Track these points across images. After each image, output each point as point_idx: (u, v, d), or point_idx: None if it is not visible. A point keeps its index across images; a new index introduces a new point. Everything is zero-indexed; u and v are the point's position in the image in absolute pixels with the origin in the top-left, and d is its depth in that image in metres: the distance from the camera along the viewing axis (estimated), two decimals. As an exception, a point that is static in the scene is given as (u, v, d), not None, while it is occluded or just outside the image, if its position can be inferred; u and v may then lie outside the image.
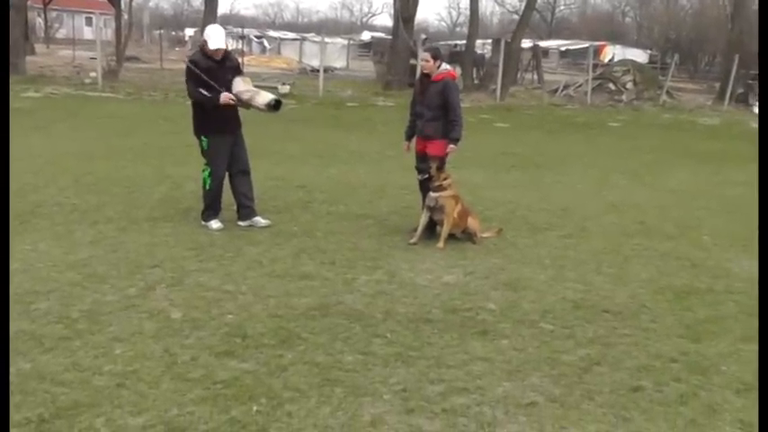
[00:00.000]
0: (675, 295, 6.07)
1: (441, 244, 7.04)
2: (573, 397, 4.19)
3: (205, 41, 6.93)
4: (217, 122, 7.02)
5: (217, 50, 6.92)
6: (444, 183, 7.10)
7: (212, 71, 6.91)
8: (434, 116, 7.12)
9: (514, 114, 21.90)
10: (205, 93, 6.88)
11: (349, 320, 5.09)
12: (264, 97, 7.17)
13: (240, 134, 7.30)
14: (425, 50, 7.37)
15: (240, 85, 7.13)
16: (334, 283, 5.89)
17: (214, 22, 16.17)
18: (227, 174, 7.30)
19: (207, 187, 7.23)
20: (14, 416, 3.68)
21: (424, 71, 7.20)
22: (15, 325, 4.75)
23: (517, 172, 11.82)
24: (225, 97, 6.88)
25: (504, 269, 6.50)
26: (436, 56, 7.14)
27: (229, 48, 7.18)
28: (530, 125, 19.44)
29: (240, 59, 35.11)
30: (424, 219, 7.21)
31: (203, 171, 7.23)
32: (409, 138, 7.47)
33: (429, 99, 7.12)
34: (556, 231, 7.95)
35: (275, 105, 7.18)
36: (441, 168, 7.07)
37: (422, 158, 7.32)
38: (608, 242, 7.63)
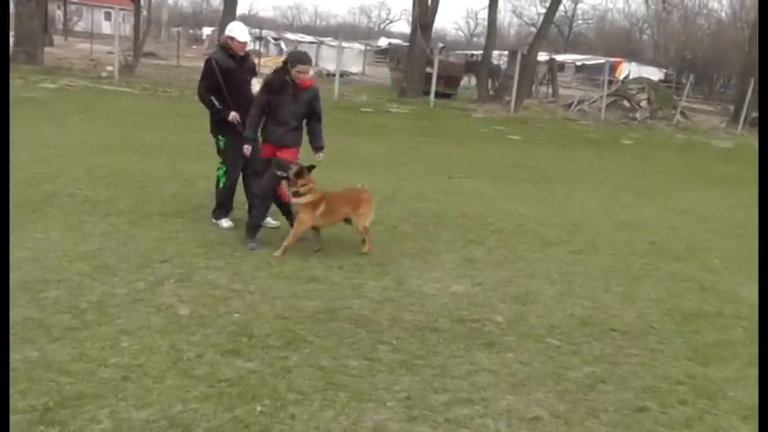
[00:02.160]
0: (684, 317, 6.04)
1: (278, 253, 6.56)
2: (577, 414, 4.18)
3: (230, 37, 6.98)
4: (234, 123, 7.04)
5: (244, 44, 6.99)
6: (302, 189, 6.70)
7: (232, 72, 6.96)
8: (297, 125, 6.87)
9: (528, 127, 21.90)
10: (216, 102, 6.96)
11: (355, 326, 5.09)
12: None
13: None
14: (305, 62, 6.77)
15: (258, 86, 7.20)
16: (342, 287, 5.89)
17: (233, 21, 16.23)
18: (240, 174, 7.31)
19: (221, 186, 7.26)
20: (20, 403, 3.71)
21: (305, 82, 6.76)
22: (24, 312, 4.78)
23: (528, 185, 11.80)
24: (233, 117, 6.95)
25: (512, 282, 6.49)
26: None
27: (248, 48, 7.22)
28: (542, 139, 19.43)
29: (257, 60, 35.28)
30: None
31: (218, 170, 7.26)
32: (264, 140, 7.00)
33: (299, 107, 6.79)
34: (565, 246, 7.93)
35: None
36: (299, 174, 6.64)
37: (265, 161, 6.98)
38: (617, 260, 7.60)
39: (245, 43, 7.03)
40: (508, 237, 8.05)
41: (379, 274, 6.32)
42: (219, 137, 7.14)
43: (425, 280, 6.27)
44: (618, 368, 4.86)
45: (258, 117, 6.80)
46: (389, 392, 4.18)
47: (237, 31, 6.97)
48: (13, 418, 3.56)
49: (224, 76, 6.93)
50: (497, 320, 5.48)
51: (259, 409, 3.84)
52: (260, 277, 5.92)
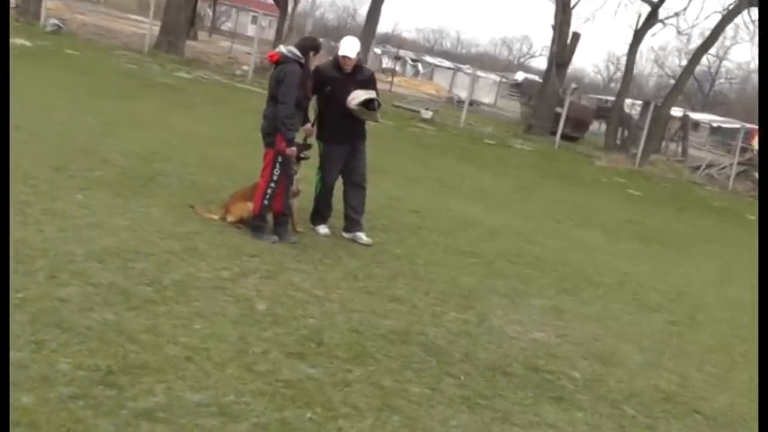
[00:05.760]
0: (779, 413, 5.59)
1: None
2: (639, 490, 3.91)
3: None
4: (332, 130, 7.12)
5: (344, 58, 6.95)
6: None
7: (331, 81, 7.01)
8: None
9: (650, 183, 21.15)
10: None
11: (426, 353, 4.97)
12: (357, 98, 7.02)
13: (360, 147, 7.31)
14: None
15: (364, 97, 7.10)
16: (423, 312, 5.78)
17: (372, 38, 16.50)
18: (342, 183, 7.36)
19: (317, 191, 7.32)
20: (87, 360, 3.84)
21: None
22: (111, 277, 4.98)
23: (639, 243, 11.33)
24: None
25: (599, 340, 6.18)
26: None
27: (366, 62, 7.24)
28: (663, 198, 18.69)
29: (390, 79, 35.60)
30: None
31: (316, 174, 7.33)
32: None
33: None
34: (664, 314, 7.50)
35: (366, 104, 7.04)
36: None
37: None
38: (717, 340, 7.11)
39: (344, 57, 6.95)
40: (605, 293, 7.72)
41: (464, 306, 6.17)
42: (319, 142, 7.21)
43: (508, 321, 6.06)
44: (694, 452, 4.54)
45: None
46: (444, 426, 4.04)
47: (340, 47, 7.02)
48: (76, 374, 3.69)
49: (321, 83, 6.99)
50: (574, 376, 5.22)
51: (309, 415, 3.79)
52: (343, 288, 5.90)
